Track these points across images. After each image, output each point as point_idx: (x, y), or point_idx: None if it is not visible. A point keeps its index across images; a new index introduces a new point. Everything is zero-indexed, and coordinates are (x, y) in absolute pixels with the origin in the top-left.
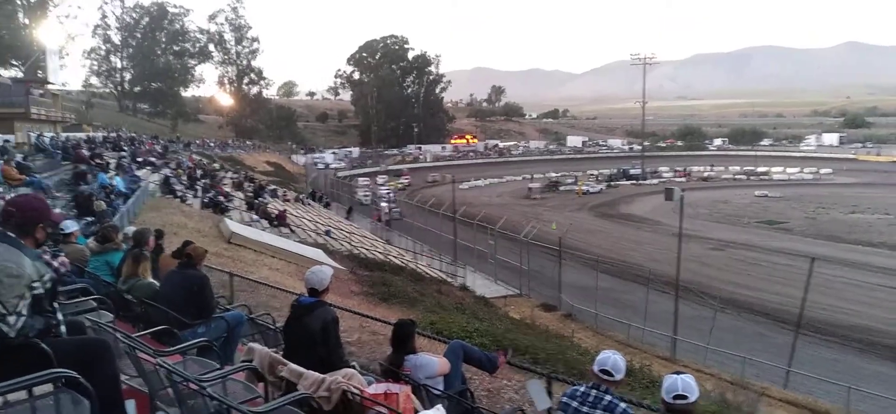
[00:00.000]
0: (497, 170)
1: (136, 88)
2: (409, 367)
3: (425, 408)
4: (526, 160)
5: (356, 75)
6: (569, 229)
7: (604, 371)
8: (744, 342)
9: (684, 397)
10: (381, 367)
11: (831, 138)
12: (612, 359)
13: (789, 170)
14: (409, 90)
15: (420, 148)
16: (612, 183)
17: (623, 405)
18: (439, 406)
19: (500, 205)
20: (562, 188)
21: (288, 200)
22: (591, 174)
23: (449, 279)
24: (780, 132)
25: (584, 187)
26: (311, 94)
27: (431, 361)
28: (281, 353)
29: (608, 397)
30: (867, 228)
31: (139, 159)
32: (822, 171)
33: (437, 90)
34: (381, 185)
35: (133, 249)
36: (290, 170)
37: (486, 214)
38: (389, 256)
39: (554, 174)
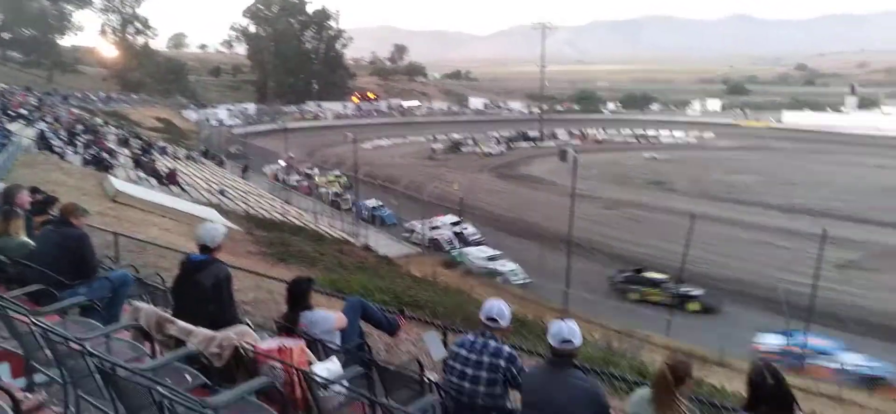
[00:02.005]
0: (400, 130)
1: (6, 35)
2: (305, 323)
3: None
4: (429, 121)
5: (252, 28)
6: (471, 190)
7: (490, 318)
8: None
9: (569, 342)
10: (277, 324)
11: (714, 104)
12: (497, 306)
13: (676, 133)
14: (309, 45)
15: (320, 105)
16: (512, 145)
17: (508, 349)
18: (333, 358)
19: (403, 165)
20: (464, 149)
21: (178, 158)
22: (493, 136)
23: (351, 239)
24: (669, 98)
25: (485, 149)
26: (203, 46)
27: (328, 316)
28: (170, 312)
29: (494, 343)
30: (744, 189)
31: (10, 113)
32: (706, 135)
33: (338, 46)
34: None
35: (3, 207)
36: (181, 126)
37: (390, 175)
38: (288, 216)
39: (456, 135)
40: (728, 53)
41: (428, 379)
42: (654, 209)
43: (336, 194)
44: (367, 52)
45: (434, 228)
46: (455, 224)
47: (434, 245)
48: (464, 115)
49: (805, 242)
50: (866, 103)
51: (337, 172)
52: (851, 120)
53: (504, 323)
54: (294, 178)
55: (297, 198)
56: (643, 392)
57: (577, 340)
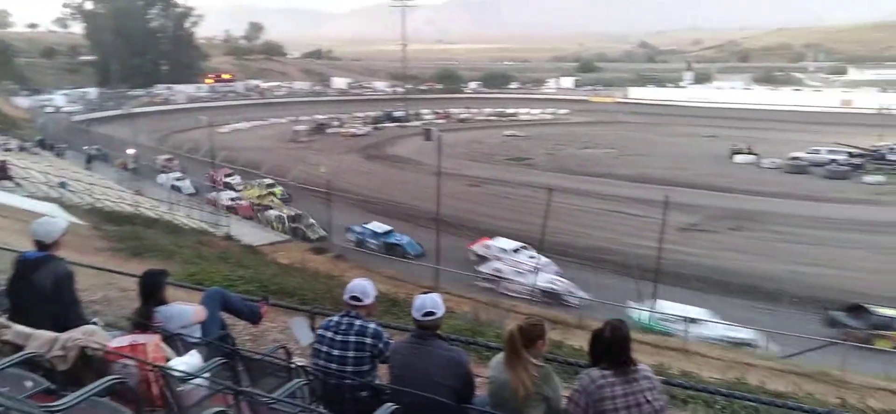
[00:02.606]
0: (260, 112)
1: None
2: (161, 318)
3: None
4: (291, 102)
5: (88, 5)
6: (338, 172)
7: (353, 298)
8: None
9: (433, 313)
10: (130, 321)
11: (568, 82)
12: (360, 285)
13: (534, 111)
14: (155, 24)
15: (171, 88)
16: (378, 125)
17: (373, 326)
18: (194, 352)
19: (264, 148)
20: (329, 131)
21: (10, 150)
22: (358, 116)
23: (211, 229)
24: (526, 76)
25: (351, 130)
26: (33, 25)
27: (185, 309)
28: (5, 316)
29: (358, 322)
30: (597, 162)
31: None
32: (561, 111)
33: (187, 24)
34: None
35: None
36: (11, 114)
37: (251, 159)
38: (140, 208)
39: (320, 116)
40: (579, 31)
41: (295, 365)
42: (516, 185)
43: (291, 218)
44: (220, 31)
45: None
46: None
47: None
48: (327, 95)
49: (652, 209)
50: (701, 78)
51: (268, 180)
52: (689, 94)
53: (368, 301)
54: (226, 196)
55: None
56: (501, 355)
57: (440, 311)
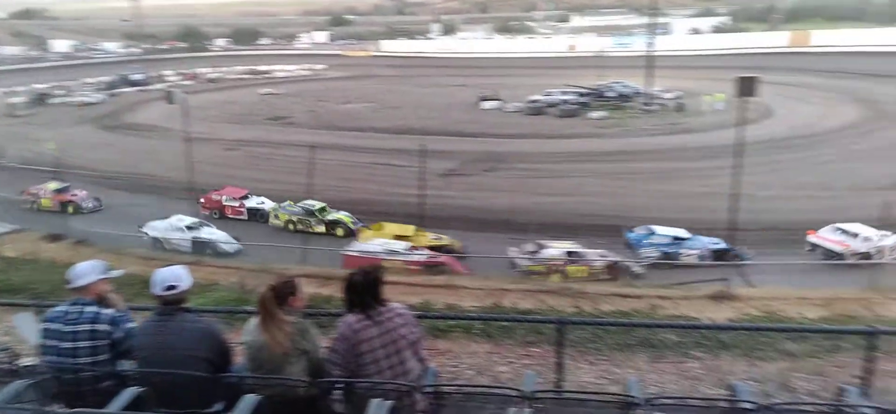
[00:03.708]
0: None
1: None
2: None
3: None
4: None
5: None
6: (70, 147)
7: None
8: (265, 234)
9: (175, 286)
10: None
11: (321, 36)
12: (80, 268)
13: (289, 67)
14: None
15: None
16: (114, 91)
17: (109, 312)
18: None
19: None
20: (54, 101)
21: None
22: (88, 83)
23: None
24: (277, 31)
25: (81, 98)
26: None
27: None
28: None
29: (91, 308)
30: (357, 116)
31: None
32: (317, 67)
33: None
34: None
35: None
36: None
37: None
38: None
39: (40, 85)
40: None
41: (18, 366)
42: (278, 145)
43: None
44: None
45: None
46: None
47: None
48: (47, 60)
49: (412, 159)
50: (448, 29)
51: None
52: (437, 45)
53: (82, 282)
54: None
55: None
56: (255, 318)
57: (184, 284)
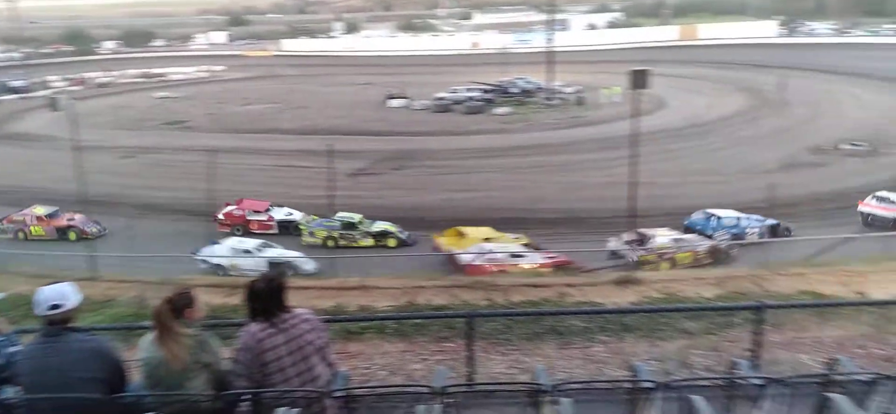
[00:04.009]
0: None
1: None
2: None
3: None
4: None
5: None
6: None
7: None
8: (168, 242)
9: (59, 305)
10: None
11: (219, 36)
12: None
13: (186, 69)
14: None
15: None
16: None
17: None
18: None
19: None
20: None
21: None
22: None
23: None
24: (171, 32)
25: None
26: None
27: None
28: None
29: None
30: (260, 118)
31: None
32: (216, 68)
33: None
34: None
35: None
36: None
37: None
38: None
39: None
40: None
41: None
42: (177, 150)
43: None
44: None
45: None
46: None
47: None
48: None
49: (320, 160)
50: (351, 28)
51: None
52: (340, 44)
53: (69, 305)
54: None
55: None
56: (150, 333)
57: (70, 302)
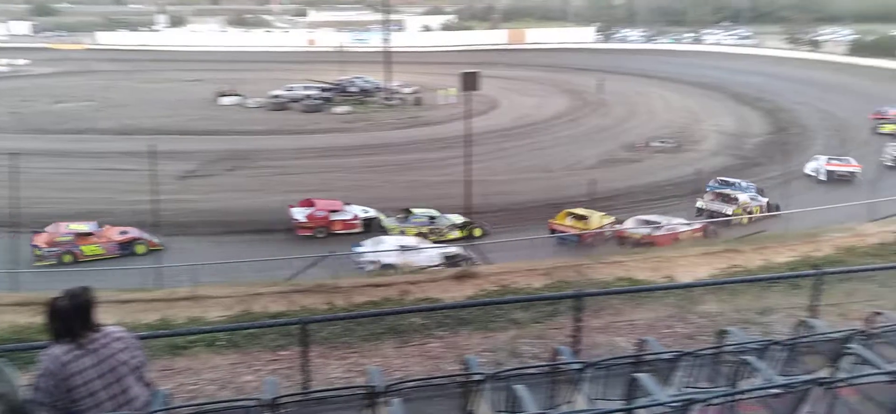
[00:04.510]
0: None
1: None
2: None
3: None
4: None
5: None
6: None
7: None
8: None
9: None
10: None
11: (21, 27)
12: None
13: None
14: None
15: None
16: None
17: None
18: None
19: None
20: None
21: None
22: None
23: None
24: None
25: None
26: None
27: None
28: None
29: None
30: (75, 117)
31: None
32: (19, 62)
33: None
34: None
35: None
36: None
37: None
38: None
39: None
40: None
41: None
42: None
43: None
44: None
45: None
46: None
47: None
48: None
49: (144, 162)
50: (176, 22)
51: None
52: (165, 38)
53: None
54: None
55: None
56: None
57: None
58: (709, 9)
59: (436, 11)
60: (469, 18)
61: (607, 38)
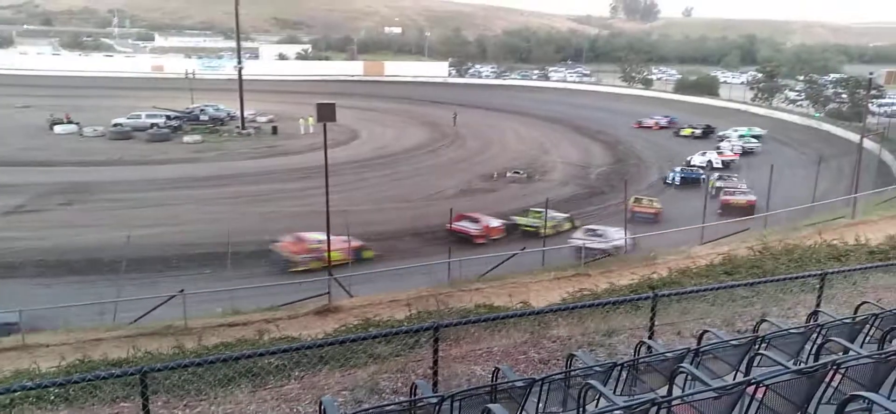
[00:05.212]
0: None
1: None
2: None
3: None
4: None
5: None
6: None
7: None
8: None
9: None
10: None
11: None
12: None
13: None
14: None
15: None
16: None
17: None
18: None
19: None
20: None
21: None
22: None
23: None
24: None
25: None
26: None
27: None
28: None
29: None
30: None
31: None
32: None
33: None
34: None
35: None
36: None
37: None
38: None
39: None
40: None
41: None
42: None
43: None
44: None
45: None
46: None
47: None
48: None
49: None
50: (1, 42)
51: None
52: None
53: None
54: None
55: None
56: None
57: None
58: (552, 48)
59: (291, 40)
60: (325, 49)
61: (461, 73)
